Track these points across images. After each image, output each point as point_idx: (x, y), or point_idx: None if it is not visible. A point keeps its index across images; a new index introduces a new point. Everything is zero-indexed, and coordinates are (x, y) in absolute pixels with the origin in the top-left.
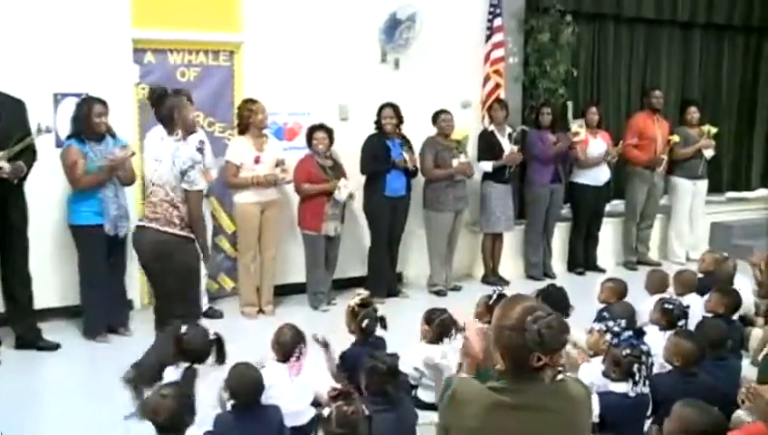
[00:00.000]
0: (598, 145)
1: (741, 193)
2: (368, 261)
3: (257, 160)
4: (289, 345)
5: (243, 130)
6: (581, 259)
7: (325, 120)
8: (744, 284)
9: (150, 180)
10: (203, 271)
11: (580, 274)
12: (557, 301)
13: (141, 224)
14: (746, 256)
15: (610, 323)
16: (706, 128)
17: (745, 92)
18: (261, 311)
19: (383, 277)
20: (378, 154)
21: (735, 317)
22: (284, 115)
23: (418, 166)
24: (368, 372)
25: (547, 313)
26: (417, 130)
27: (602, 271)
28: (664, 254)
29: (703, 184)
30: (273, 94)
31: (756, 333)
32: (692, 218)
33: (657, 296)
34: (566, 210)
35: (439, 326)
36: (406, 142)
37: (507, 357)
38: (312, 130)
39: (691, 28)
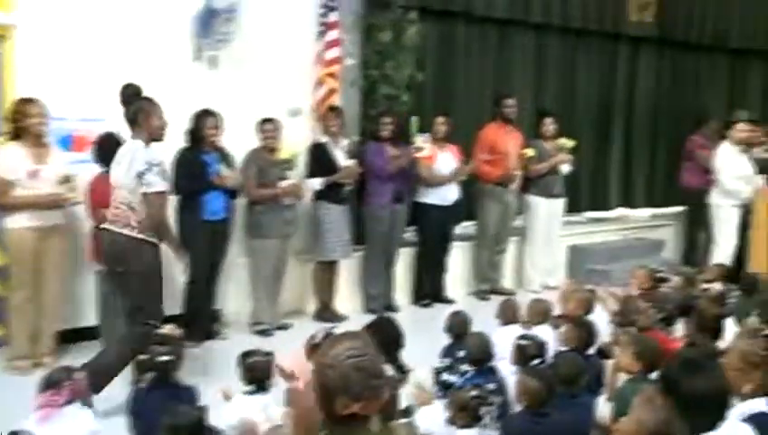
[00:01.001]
0: (446, 160)
1: (599, 213)
2: (185, 297)
3: (35, 175)
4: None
5: (15, 136)
6: (428, 289)
7: (122, 130)
8: (600, 313)
9: (113, 184)
10: (181, 271)
11: (427, 306)
12: (387, 334)
13: (103, 226)
14: (604, 282)
15: (449, 364)
16: (563, 141)
17: (602, 104)
18: (39, 364)
19: (202, 316)
20: (193, 170)
21: (593, 350)
22: (73, 121)
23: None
24: (166, 432)
25: (361, 353)
26: (238, 141)
27: (451, 302)
28: (519, 281)
29: (559, 203)
30: (56, 94)
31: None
32: (548, 241)
33: (510, 328)
34: (411, 234)
35: (250, 371)
36: (224, 156)
37: (321, 403)
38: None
39: (545, 31)
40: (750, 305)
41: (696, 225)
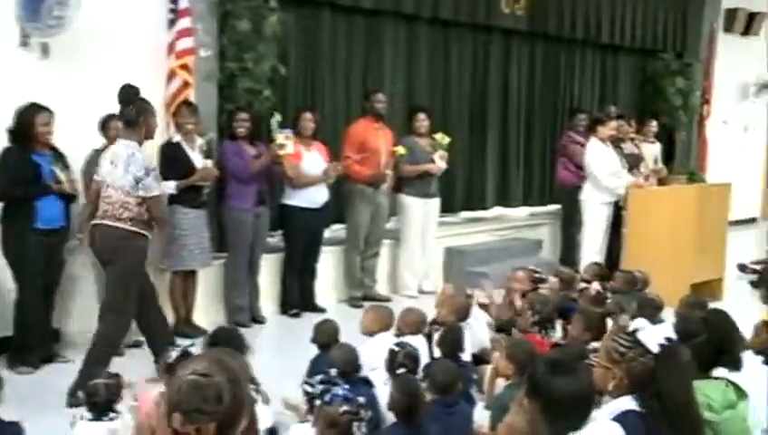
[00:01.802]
0: (313, 159)
1: (476, 213)
2: (15, 317)
3: None
4: None
5: None
6: (297, 298)
7: None
8: (480, 317)
9: (105, 182)
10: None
11: (296, 315)
12: (228, 344)
13: (96, 222)
14: (482, 284)
15: (317, 379)
16: (439, 136)
17: (476, 100)
18: None
19: (36, 337)
20: (24, 173)
21: (468, 356)
22: None
23: (79, 189)
24: None
25: (204, 373)
26: (76, 140)
27: (322, 310)
28: (394, 286)
29: (434, 203)
30: None
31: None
32: (424, 243)
33: (383, 336)
34: (276, 239)
35: (90, 395)
36: (59, 157)
37: (165, 418)
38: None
39: (416, 22)
40: (625, 303)
41: (572, 223)
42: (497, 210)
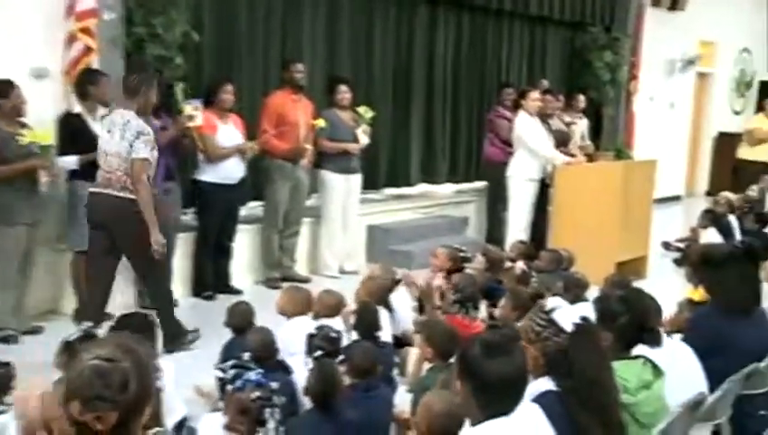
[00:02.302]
0: (229, 132)
1: (400, 189)
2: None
3: None
4: None
5: None
6: (211, 279)
7: None
8: (404, 298)
9: (104, 151)
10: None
11: (210, 298)
12: (137, 330)
13: (96, 190)
14: (407, 263)
15: (229, 364)
16: (363, 110)
17: (400, 72)
18: None
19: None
20: None
21: (389, 338)
22: None
23: None
24: None
25: (109, 358)
26: None
27: (238, 292)
28: (314, 267)
29: (357, 179)
30: None
31: (413, 355)
32: (346, 221)
33: (301, 319)
34: (189, 217)
35: None
36: None
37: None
38: None
39: None
40: (550, 282)
41: (498, 200)
42: (422, 187)
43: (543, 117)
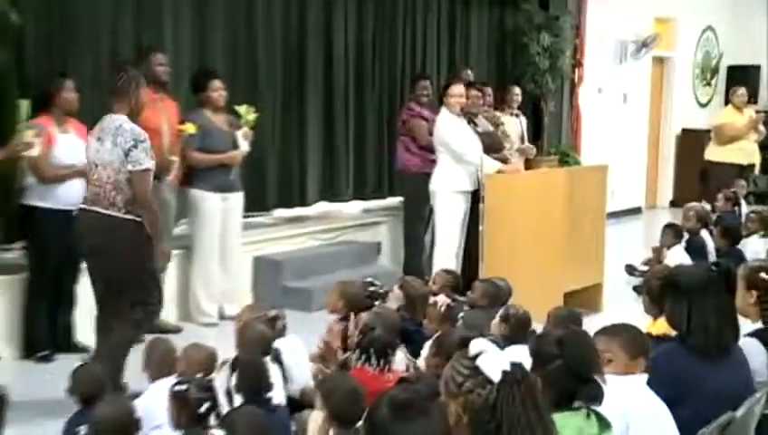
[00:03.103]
0: (69, 144)
1: (293, 211)
2: None
3: None
4: None
5: None
6: (46, 334)
7: None
8: (299, 346)
9: (93, 161)
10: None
11: (46, 359)
12: None
13: (83, 207)
14: (306, 304)
15: None
16: (243, 110)
17: (291, 64)
18: None
19: None
20: None
21: (282, 398)
22: None
23: None
24: None
25: None
26: None
27: (84, 350)
28: (185, 312)
29: (237, 199)
30: None
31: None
32: (225, 253)
33: (162, 383)
34: (16, 254)
35: None
36: None
37: None
38: None
39: None
40: (484, 319)
41: (418, 220)
42: (322, 207)
43: (470, 116)
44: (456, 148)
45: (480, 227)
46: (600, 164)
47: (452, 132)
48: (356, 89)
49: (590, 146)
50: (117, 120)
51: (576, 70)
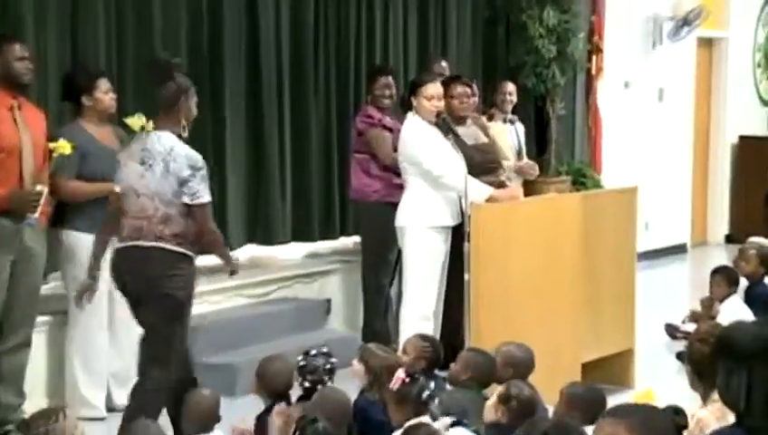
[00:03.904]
0: None
1: (211, 258)
2: None
3: None
4: None
5: None
6: None
7: None
8: None
9: (133, 189)
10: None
11: None
12: None
13: (122, 245)
14: (228, 385)
15: None
16: (134, 121)
17: (201, 57)
18: None
19: None
20: None
21: None
22: None
23: None
24: None
25: None
26: None
27: None
28: (59, 400)
29: None
30: None
31: None
32: (114, 317)
33: None
34: None
35: None
36: None
37: None
38: None
39: None
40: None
41: (381, 267)
42: (249, 252)
43: (459, 120)
44: (431, 167)
45: (465, 276)
46: (627, 187)
47: (425, 146)
48: (292, 89)
49: (615, 161)
50: (166, 141)
51: (593, 58)
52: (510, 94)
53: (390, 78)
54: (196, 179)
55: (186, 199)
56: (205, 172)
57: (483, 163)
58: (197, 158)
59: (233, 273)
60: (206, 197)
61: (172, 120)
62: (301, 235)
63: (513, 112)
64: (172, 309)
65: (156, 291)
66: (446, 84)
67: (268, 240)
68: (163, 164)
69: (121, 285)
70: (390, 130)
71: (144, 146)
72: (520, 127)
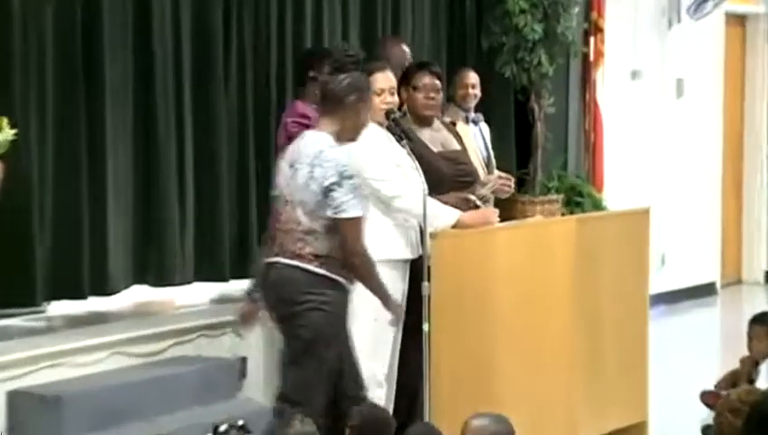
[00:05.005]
0: None
1: (84, 303)
2: None
3: None
4: None
5: None
6: None
7: None
8: None
9: (285, 194)
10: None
11: None
12: None
13: (269, 260)
14: None
15: None
16: None
17: (74, 47)
18: None
19: None
20: None
21: None
22: None
23: None
24: None
25: None
26: None
27: None
28: None
29: None
30: None
31: None
32: None
33: None
34: None
35: None
36: None
37: None
38: None
39: None
40: None
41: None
42: (137, 296)
43: (423, 122)
44: (381, 186)
45: (424, 326)
46: (637, 208)
47: (372, 158)
48: (195, 81)
49: (620, 175)
50: (317, 142)
51: (591, 40)
52: (473, 87)
53: (323, 60)
54: (343, 189)
55: (329, 212)
56: (355, 182)
57: (455, 176)
58: (350, 165)
59: (396, 314)
60: (354, 210)
61: (334, 120)
62: (207, 273)
63: (476, 110)
64: (300, 341)
65: (289, 322)
66: (409, 74)
67: (162, 280)
68: (309, 168)
69: (267, 303)
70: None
71: (298, 147)
72: (485, 128)
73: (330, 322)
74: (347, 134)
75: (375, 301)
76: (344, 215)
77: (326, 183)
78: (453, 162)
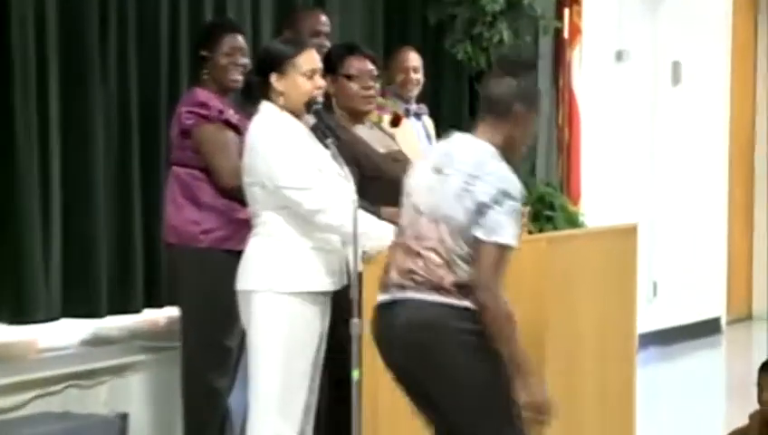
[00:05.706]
0: None
1: None
2: None
3: None
4: None
5: None
6: None
7: None
8: None
9: (416, 206)
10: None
11: None
12: None
13: (389, 298)
14: None
15: None
16: None
17: None
18: None
19: None
20: None
21: None
22: None
23: None
24: None
25: None
26: None
27: None
28: None
29: None
30: None
31: None
32: None
33: None
34: None
35: None
36: None
37: None
38: None
39: None
40: None
41: (214, 355)
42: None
43: (354, 117)
44: (300, 197)
45: (353, 374)
46: (623, 225)
47: (289, 160)
48: (64, 69)
49: (601, 184)
50: (479, 150)
51: (567, 12)
52: (415, 71)
53: (240, 39)
54: (503, 209)
55: (479, 233)
56: (518, 206)
57: (394, 182)
58: (515, 184)
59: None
60: (508, 237)
61: (497, 129)
62: (77, 307)
63: (418, 100)
64: (470, 390)
65: (431, 365)
66: (336, 59)
67: (21, 316)
68: (465, 178)
69: (385, 352)
70: (237, 129)
71: (446, 150)
72: (429, 123)
73: (479, 362)
74: (511, 149)
75: (284, 335)
76: (494, 238)
77: (483, 198)
78: (402, 165)
